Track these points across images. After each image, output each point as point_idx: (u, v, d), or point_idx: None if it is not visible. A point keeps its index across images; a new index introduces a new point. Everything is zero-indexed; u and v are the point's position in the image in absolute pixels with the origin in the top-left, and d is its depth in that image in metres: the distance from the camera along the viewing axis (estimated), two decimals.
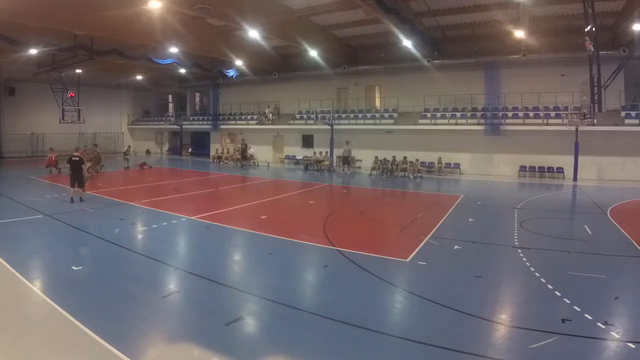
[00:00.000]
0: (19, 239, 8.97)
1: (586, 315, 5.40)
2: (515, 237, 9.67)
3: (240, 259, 8.68)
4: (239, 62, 25.69)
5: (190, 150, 36.67)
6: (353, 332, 5.07)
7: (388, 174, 23.04)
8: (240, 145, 28.41)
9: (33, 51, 20.28)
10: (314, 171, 25.35)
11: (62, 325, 5.06)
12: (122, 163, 25.90)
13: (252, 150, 29.57)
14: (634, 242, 9.04)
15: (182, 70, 28.88)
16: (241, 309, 5.79)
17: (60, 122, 27.72)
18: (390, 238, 10.12)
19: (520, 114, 22.31)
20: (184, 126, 36.12)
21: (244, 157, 28.05)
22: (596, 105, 14.22)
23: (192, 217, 11.45)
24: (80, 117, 28.22)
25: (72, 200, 12.81)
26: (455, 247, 8.91)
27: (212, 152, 32.86)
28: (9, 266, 7.00)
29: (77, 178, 12.95)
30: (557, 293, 6.17)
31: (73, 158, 13.11)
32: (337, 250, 8.52)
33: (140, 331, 5.07)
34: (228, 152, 31.66)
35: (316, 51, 22.57)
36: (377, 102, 28.61)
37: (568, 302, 5.83)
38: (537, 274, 7.04)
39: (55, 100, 27.51)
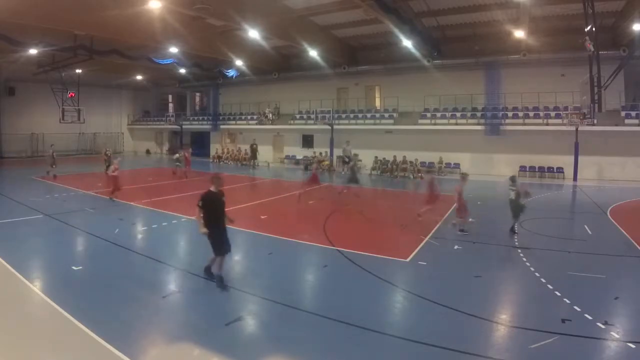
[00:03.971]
0: (19, 239, 8.97)
1: (586, 315, 5.40)
2: (515, 237, 9.66)
3: (240, 259, 8.67)
4: (239, 62, 25.68)
5: (190, 150, 36.63)
6: (353, 332, 5.07)
7: (388, 173, 23.04)
8: (252, 145, 28.27)
9: (33, 51, 20.27)
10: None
11: (62, 325, 5.06)
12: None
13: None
14: (634, 242, 9.04)
15: (182, 70, 28.88)
16: (241, 309, 5.80)
17: (60, 122, 27.72)
18: (390, 238, 10.12)
19: (520, 114, 22.29)
20: (184, 126, 36.10)
21: (254, 156, 27.93)
22: (596, 105, 14.20)
23: (192, 217, 11.44)
24: (80, 117, 28.22)
25: (208, 271, 6.72)
26: (455, 247, 8.91)
27: (212, 152, 32.85)
28: (9, 266, 7.00)
29: (223, 234, 6.58)
30: (557, 293, 6.17)
31: (211, 193, 6.54)
32: (337, 250, 8.52)
33: (140, 331, 5.08)
34: (228, 152, 31.64)
35: (316, 51, 22.56)
36: (377, 102, 28.60)
37: (568, 302, 5.83)
38: (537, 274, 7.04)
39: (55, 100, 27.50)
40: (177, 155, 22.41)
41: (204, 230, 6.32)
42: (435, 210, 11.36)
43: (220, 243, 6.49)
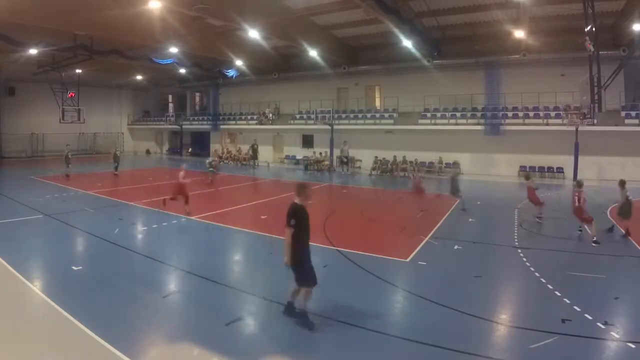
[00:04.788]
0: (19, 239, 8.97)
1: (586, 315, 5.41)
2: (515, 237, 9.67)
3: (240, 259, 8.68)
4: (239, 62, 25.68)
5: (190, 150, 36.71)
6: (353, 332, 5.07)
7: (388, 174, 23.06)
8: (252, 145, 28.36)
9: (33, 51, 20.26)
10: (314, 171, 25.37)
11: (62, 325, 5.06)
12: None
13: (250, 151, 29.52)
14: (634, 242, 9.04)
15: (182, 70, 28.88)
16: (241, 309, 5.80)
17: (60, 122, 27.74)
18: (390, 238, 10.11)
19: (520, 114, 22.30)
20: (184, 126, 36.13)
21: (255, 156, 28.00)
22: (596, 105, 14.20)
23: (192, 217, 11.45)
24: (80, 117, 28.23)
25: (291, 308, 5.42)
26: (455, 247, 8.91)
27: (212, 152, 32.86)
28: (9, 266, 7.00)
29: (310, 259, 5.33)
30: (557, 293, 6.17)
31: (300, 208, 5.25)
32: (337, 250, 8.51)
33: (141, 331, 5.08)
34: (228, 152, 31.65)
35: (316, 51, 22.56)
36: (377, 102, 28.61)
37: (568, 302, 5.83)
38: (537, 274, 7.04)
39: (55, 100, 27.51)
40: (210, 159, 20.32)
41: (291, 260, 5.04)
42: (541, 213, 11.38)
43: (309, 271, 5.19)
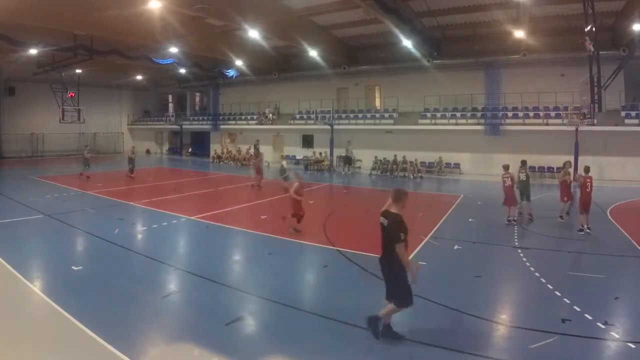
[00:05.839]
0: (19, 239, 8.97)
1: (586, 315, 5.40)
2: (515, 237, 9.67)
3: (240, 259, 8.68)
4: (239, 62, 25.69)
5: (190, 150, 36.72)
6: (353, 332, 5.07)
7: (388, 174, 23.06)
8: (255, 145, 28.42)
9: (33, 51, 20.26)
10: (314, 171, 25.36)
11: (62, 325, 5.07)
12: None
13: (252, 150, 29.53)
14: (634, 242, 9.04)
15: (182, 70, 28.89)
16: (241, 309, 5.80)
17: (60, 122, 27.75)
18: None
19: (520, 114, 22.30)
20: (184, 126, 36.13)
21: (257, 156, 28.03)
22: (596, 105, 14.21)
23: (192, 217, 11.45)
24: (80, 117, 28.25)
25: (391, 331, 4.97)
26: (455, 247, 8.91)
27: (212, 152, 32.86)
28: (9, 266, 7.00)
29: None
30: (557, 293, 6.17)
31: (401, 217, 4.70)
32: (337, 250, 8.52)
33: (141, 331, 5.08)
34: (228, 152, 31.65)
35: (316, 51, 22.56)
36: (377, 102, 28.61)
37: (568, 302, 5.83)
38: (537, 274, 7.04)
39: (55, 100, 27.52)
40: (281, 164, 17.52)
41: (415, 271, 4.64)
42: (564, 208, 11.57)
43: (409, 289, 4.68)
